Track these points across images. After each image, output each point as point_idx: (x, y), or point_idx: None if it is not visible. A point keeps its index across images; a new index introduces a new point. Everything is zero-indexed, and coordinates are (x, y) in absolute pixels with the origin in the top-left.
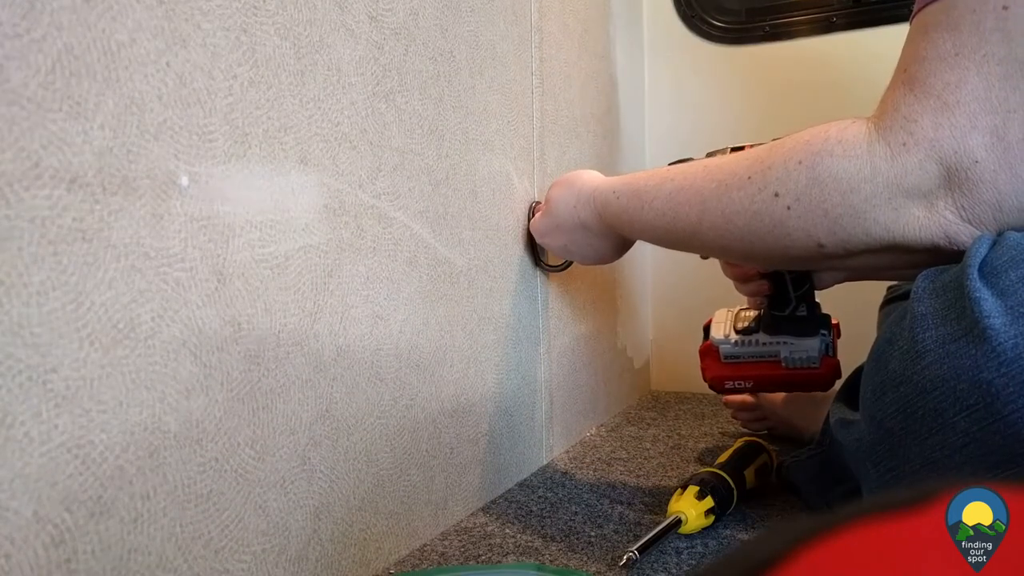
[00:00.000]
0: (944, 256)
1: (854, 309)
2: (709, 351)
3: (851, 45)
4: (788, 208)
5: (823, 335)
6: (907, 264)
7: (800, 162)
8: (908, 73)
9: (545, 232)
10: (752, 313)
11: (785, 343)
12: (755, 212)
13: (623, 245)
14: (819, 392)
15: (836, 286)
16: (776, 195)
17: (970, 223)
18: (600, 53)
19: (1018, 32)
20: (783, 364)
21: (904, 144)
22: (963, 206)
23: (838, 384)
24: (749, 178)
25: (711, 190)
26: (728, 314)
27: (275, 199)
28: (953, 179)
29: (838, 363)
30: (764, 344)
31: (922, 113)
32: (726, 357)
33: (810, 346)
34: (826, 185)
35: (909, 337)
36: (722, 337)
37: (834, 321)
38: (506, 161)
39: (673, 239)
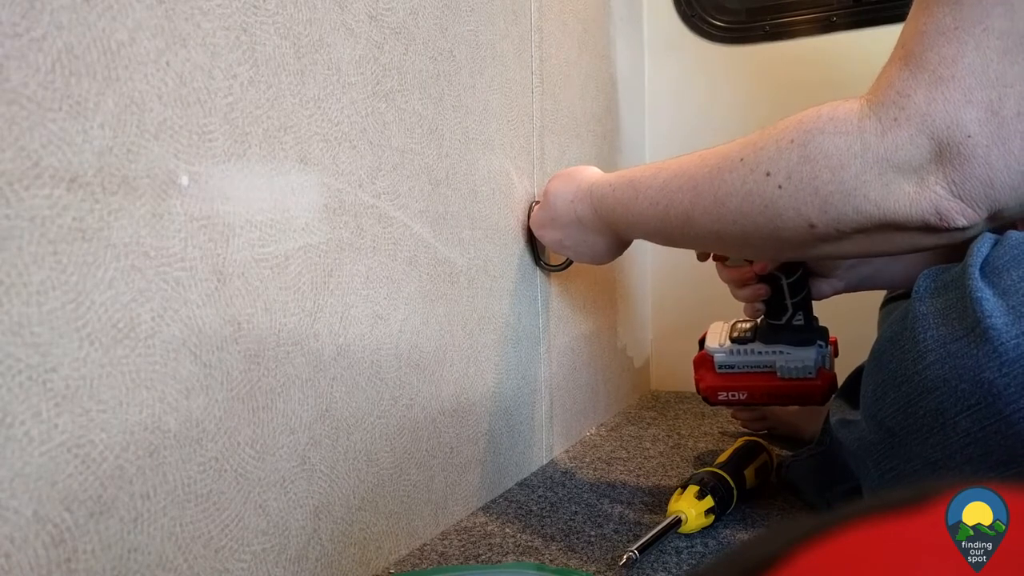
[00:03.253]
0: (934, 233)
1: (852, 313)
2: (704, 361)
3: (851, 45)
4: (779, 187)
5: (820, 346)
6: (902, 247)
7: (792, 140)
8: (905, 49)
9: (541, 225)
10: (748, 324)
11: (781, 352)
12: (747, 193)
13: (618, 244)
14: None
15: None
16: (768, 174)
17: (961, 199)
18: (600, 52)
19: (1022, 5)
20: (778, 374)
21: (895, 119)
22: (954, 181)
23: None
24: (741, 159)
25: (704, 175)
26: (724, 326)
27: (275, 198)
28: (944, 154)
29: (835, 376)
30: (760, 353)
31: (915, 88)
32: (721, 367)
33: (806, 356)
34: (817, 162)
35: (910, 337)
36: (717, 346)
37: (832, 338)
38: (506, 160)
39: (667, 229)
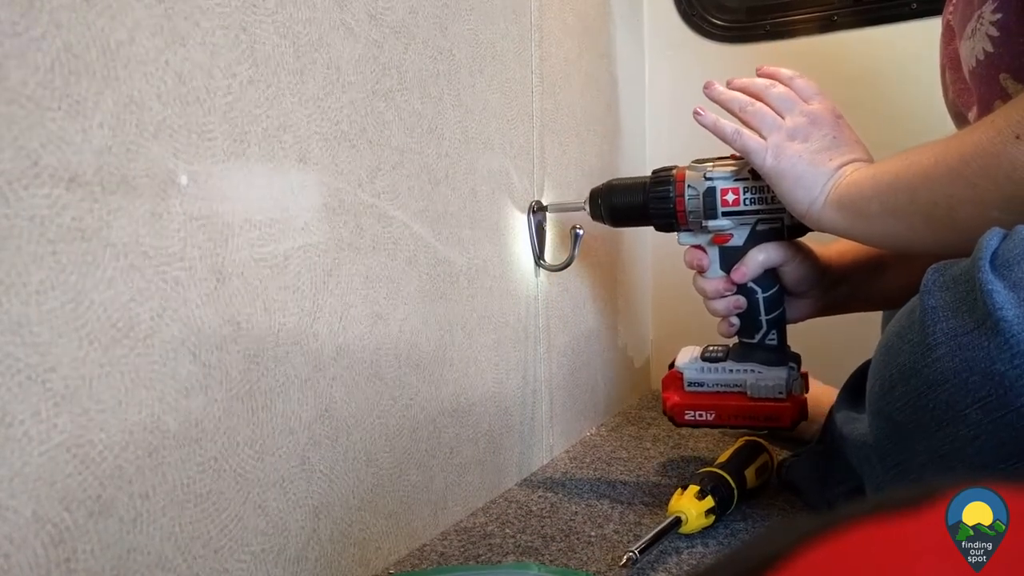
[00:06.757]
0: None
1: (847, 318)
2: (673, 380)
3: (852, 44)
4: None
5: (791, 368)
6: None
7: None
8: None
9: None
10: (720, 346)
11: (752, 371)
12: (995, 154)
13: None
14: (783, 432)
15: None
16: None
17: None
18: (600, 51)
19: None
20: (748, 394)
21: None
22: None
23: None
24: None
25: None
26: (696, 349)
27: (274, 198)
28: None
29: (805, 401)
30: (731, 371)
31: None
32: (690, 384)
33: (777, 376)
34: None
35: (919, 330)
36: (688, 362)
37: (803, 371)
38: (506, 160)
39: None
